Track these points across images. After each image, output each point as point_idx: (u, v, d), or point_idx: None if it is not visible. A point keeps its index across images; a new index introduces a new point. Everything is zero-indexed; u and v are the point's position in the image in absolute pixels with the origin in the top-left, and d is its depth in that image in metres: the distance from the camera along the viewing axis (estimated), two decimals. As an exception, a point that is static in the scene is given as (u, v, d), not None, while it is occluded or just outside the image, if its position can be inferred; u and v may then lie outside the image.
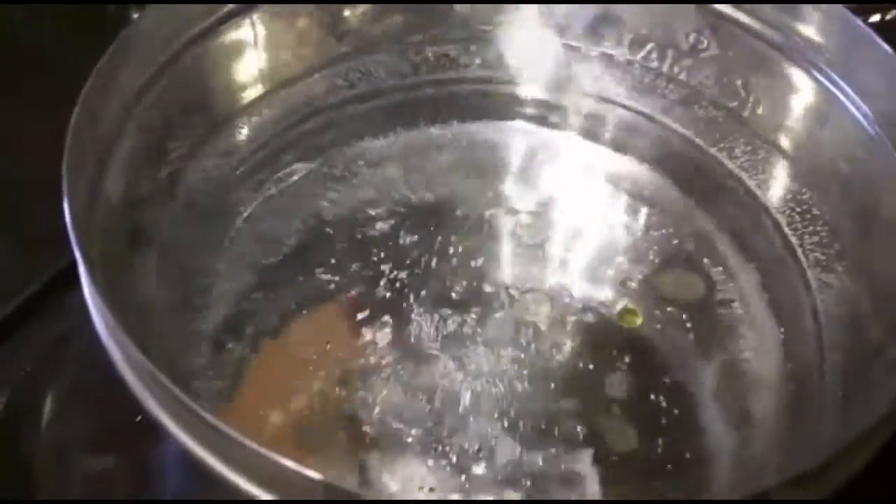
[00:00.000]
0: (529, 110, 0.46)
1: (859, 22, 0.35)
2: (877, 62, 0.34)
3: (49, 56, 0.46)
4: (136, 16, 0.34)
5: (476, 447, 0.34)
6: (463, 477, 0.34)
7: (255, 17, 0.40)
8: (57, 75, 0.42)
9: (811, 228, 0.38)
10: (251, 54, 0.41)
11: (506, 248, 0.42)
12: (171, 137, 0.37)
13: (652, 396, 0.36)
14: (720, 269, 0.40)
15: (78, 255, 0.27)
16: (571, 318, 0.39)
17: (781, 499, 0.23)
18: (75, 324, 0.37)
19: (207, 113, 0.39)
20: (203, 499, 0.33)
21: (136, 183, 0.35)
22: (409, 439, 0.35)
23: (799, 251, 0.38)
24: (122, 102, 0.34)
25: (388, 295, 0.39)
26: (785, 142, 0.40)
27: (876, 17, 0.38)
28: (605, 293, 0.40)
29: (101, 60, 0.32)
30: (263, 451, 0.23)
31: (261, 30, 0.41)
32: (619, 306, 0.39)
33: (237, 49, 0.40)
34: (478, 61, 0.45)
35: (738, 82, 0.41)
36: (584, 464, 0.34)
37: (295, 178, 0.43)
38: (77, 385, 0.38)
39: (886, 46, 0.34)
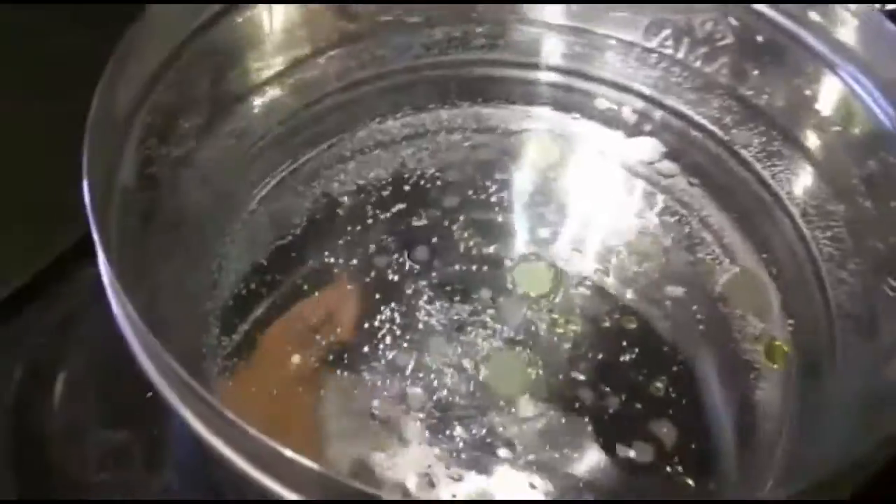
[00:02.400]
0: (541, 94, 0.45)
1: (887, 21, 0.34)
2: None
3: (68, 42, 0.46)
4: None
5: (482, 430, 0.35)
6: (465, 457, 0.34)
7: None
8: (72, 61, 0.42)
9: (825, 223, 0.38)
10: (264, 36, 0.41)
11: (516, 233, 0.42)
12: (184, 118, 0.37)
13: (658, 383, 0.36)
14: (730, 259, 0.40)
15: (96, 237, 0.27)
16: (580, 303, 0.39)
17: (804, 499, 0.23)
18: (85, 300, 0.38)
19: (221, 94, 0.39)
20: (210, 479, 0.34)
21: (151, 163, 0.35)
22: (415, 422, 0.35)
23: (812, 245, 0.38)
24: (139, 85, 0.33)
25: (396, 278, 0.39)
26: (802, 134, 0.40)
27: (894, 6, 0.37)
28: (615, 279, 0.40)
29: (118, 45, 0.32)
30: (264, 438, 0.23)
31: (274, 11, 0.40)
32: (629, 292, 0.39)
33: (250, 31, 0.40)
34: (490, 43, 0.45)
35: (755, 72, 0.40)
36: (586, 441, 0.34)
37: (306, 158, 0.43)
38: (89, 361, 0.38)
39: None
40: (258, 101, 0.41)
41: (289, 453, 0.23)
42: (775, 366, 0.37)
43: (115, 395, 0.36)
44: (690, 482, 0.34)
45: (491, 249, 0.40)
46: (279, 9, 0.40)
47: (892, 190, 0.35)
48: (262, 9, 0.40)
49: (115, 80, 0.31)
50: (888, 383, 0.31)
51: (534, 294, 0.39)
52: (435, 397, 0.36)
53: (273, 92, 0.42)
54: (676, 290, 0.39)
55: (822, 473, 0.23)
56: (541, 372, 0.36)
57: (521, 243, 0.41)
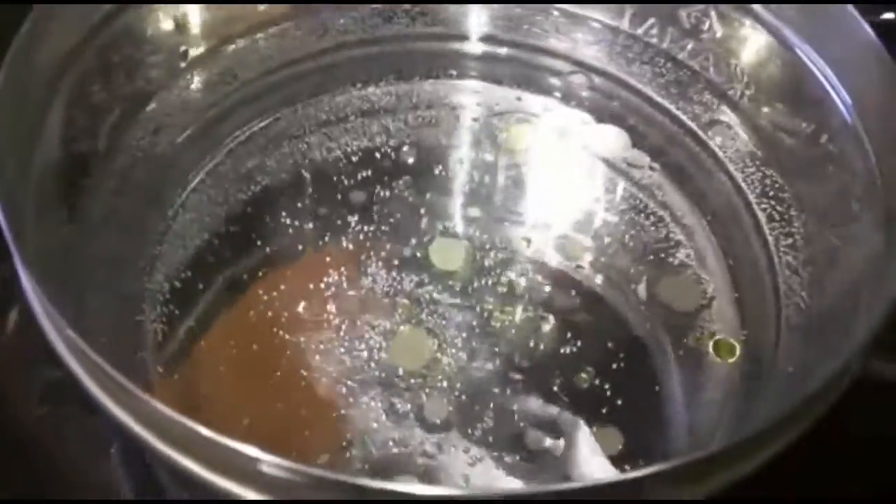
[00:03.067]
0: (500, 69, 0.44)
1: (863, 22, 0.33)
2: (874, 65, 0.33)
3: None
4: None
5: (438, 409, 0.34)
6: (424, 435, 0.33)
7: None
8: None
9: (782, 208, 0.37)
10: (185, 19, 0.39)
11: (475, 209, 0.41)
12: (101, 110, 0.35)
13: (615, 365, 0.35)
14: (687, 254, 0.39)
15: (8, 233, 0.26)
16: (538, 283, 0.38)
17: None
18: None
19: (139, 83, 0.38)
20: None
21: (78, 140, 0.34)
22: (371, 402, 0.34)
23: (772, 245, 0.37)
24: (50, 67, 0.32)
25: (350, 261, 0.38)
26: (771, 130, 0.39)
27: (889, 15, 0.36)
28: (573, 260, 0.39)
29: (22, 26, 0.30)
30: (201, 429, 0.22)
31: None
32: (588, 273, 0.38)
33: (166, 17, 0.39)
34: (455, 17, 0.44)
35: (736, 67, 0.39)
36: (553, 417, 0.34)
37: (248, 135, 0.41)
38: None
39: (884, 51, 0.32)
40: (229, 57, 0.41)
41: (231, 443, 0.22)
42: (725, 360, 0.36)
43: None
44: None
45: (448, 227, 0.39)
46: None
47: (854, 191, 0.34)
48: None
49: (32, 41, 0.30)
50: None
51: (490, 272, 0.38)
52: (392, 383, 0.34)
53: (246, 49, 0.41)
54: (631, 273, 0.38)
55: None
56: (473, 357, 0.35)
57: (479, 222, 0.40)
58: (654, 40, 0.42)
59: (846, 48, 0.34)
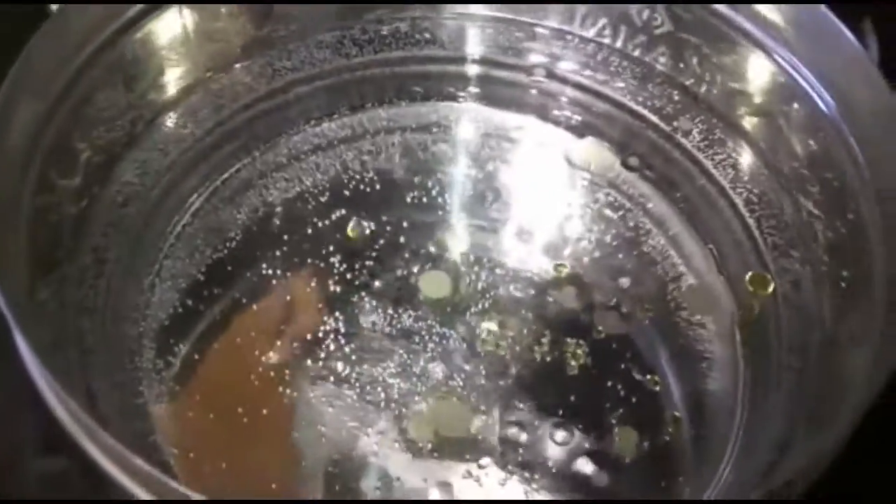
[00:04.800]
0: (479, 89, 0.44)
1: (821, 6, 0.34)
2: (837, 47, 0.34)
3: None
4: (53, 7, 0.32)
5: (430, 443, 0.34)
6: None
7: (181, 5, 0.38)
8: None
9: (768, 211, 0.38)
10: (182, 42, 0.39)
11: (459, 232, 0.41)
12: (96, 136, 0.35)
13: (610, 374, 0.36)
14: (676, 248, 0.40)
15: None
16: (527, 300, 0.38)
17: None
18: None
19: (136, 106, 0.37)
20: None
21: (60, 187, 0.33)
22: (364, 437, 0.34)
23: (756, 233, 0.38)
24: (38, 107, 0.32)
25: (339, 289, 0.38)
26: (742, 122, 0.39)
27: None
28: (560, 273, 0.39)
29: (14, 65, 0.30)
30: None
31: (188, 18, 0.39)
32: (575, 287, 0.39)
33: (162, 39, 0.38)
34: (426, 38, 0.44)
35: (694, 60, 0.40)
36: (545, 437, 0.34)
37: (238, 167, 0.41)
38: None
39: (847, 31, 0.33)
40: (180, 111, 0.40)
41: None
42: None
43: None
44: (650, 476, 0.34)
45: (433, 253, 0.39)
46: (195, 15, 0.39)
47: (832, 174, 0.35)
48: (172, 16, 0.38)
49: (11, 104, 0.29)
50: (831, 374, 0.31)
51: (479, 295, 0.38)
52: (383, 409, 0.35)
53: (195, 100, 0.40)
54: (624, 283, 0.39)
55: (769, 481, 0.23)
56: (483, 371, 0.36)
57: (464, 244, 0.40)
58: (608, 41, 0.42)
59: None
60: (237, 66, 0.41)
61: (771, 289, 0.37)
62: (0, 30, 0.33)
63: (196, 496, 0.23)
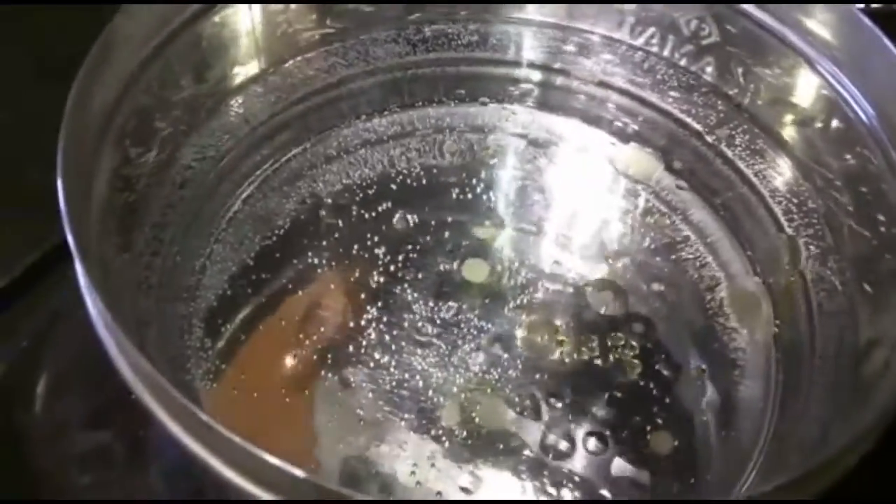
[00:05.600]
0: (528, 92, 0.45)
1: (867, 20, 0.34)
2: (882, 62, 0.34)
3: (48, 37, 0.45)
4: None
5: (465, 432, 0.35)
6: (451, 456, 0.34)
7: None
8: (53, 55, 0.41)
9: (807, 220, 0.38)
10: (244, 35, 0.40)
11: (502, 231, 0.42)
12: (164, 118, 0.37)
13: (643, 381, 0.36)
14: (714, 255, 0.40)
15: (72, 243, 0.27)
16: (565, 300, 0.39)
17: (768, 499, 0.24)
18: (73, 297, 0.38)
19: (202, 93, 0.39)
20: (193, 480, 0.34)
21: (130, 164, 0.35)
22: (401, 423, 0.35)
23: (795, 242, 0.38)
24: (115, 86, 0.33)
25: (382, 280, 0.39)
26: (784, 133, 0.40)
27: (877, 5, 0.37)
28: (600, 276, 0.40)
29: (93, 47, 0.31)
30: (249, 446, 0.23)
31: (255, 9, 0.40)
32: (612, 290, 0.39)
33: (231, 30, 0.40)
34: (477, 41, 0.45)
35: (739, 70, 0.40)
36: (577, 442, 0.35)
37: (290, 157, 0.42)
38: (74, 360, 0.38)
39: (889, 42, 0.34)
40: (240, 100, 0.41)
41: (269, 458, 0.23)
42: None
43: (99, 395, 0.36)
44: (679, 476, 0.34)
45: (477, 249, 0.40)
46: (260, 7, 0.40)
47: (868, 186, 0.35)
48: (241, 7, 0.39)
49: (91, 83, 0.31)
50: (863, 380, 0.31)
51: (520, 293, 0.39)
52: (421, 398, 0.36)
53: (256, 90, 0.41)
54: (661, 289, 0.39)
55: (790, 476, 0.24)
56: (520, 367, 0.37)
57: (507, 243, 0.41)
58: (656, 49, 0.43)
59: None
60: (297, 59, 0.42)
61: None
62: (81, 16, 0.35)
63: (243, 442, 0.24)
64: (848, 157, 0.36)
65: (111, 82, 0.33)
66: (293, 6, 0.41)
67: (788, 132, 0.40)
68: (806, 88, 0.38)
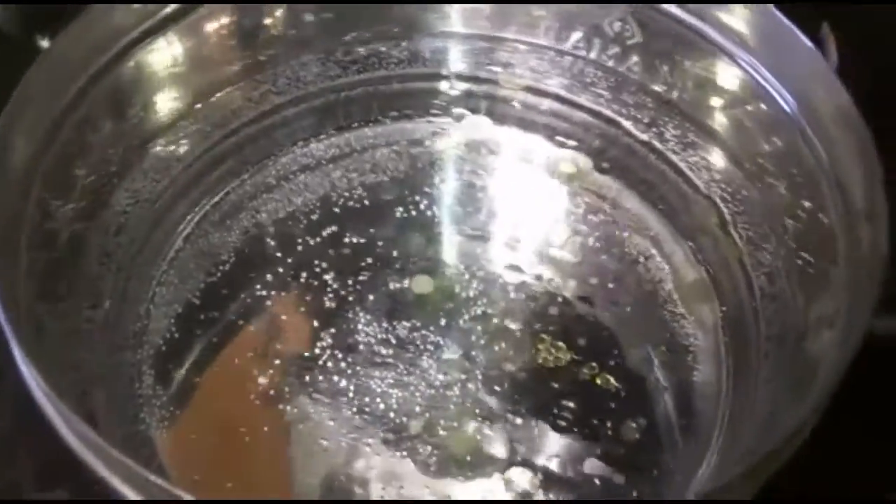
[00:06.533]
0: (462, 104, 0.45)
1: (777, 12, 0.36)
2: (795, 51, 0.35)
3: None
4: (44, 44, 0.33)
5: (430, 449, 0.35)
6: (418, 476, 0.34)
7: (169, 34, 0.39)
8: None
9: (742, 207, 0.39)
10: (169, 71, 0.40)
11: (449, 244, 0.42)
12: (84, 165, 0.36)
13: (602, 377, 0.37)
14: (657, 248, 0.41)
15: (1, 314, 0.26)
16: (518, 306, 0.39)
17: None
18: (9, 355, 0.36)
19: (129, 134, 0.38)
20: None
21: (52, 217, 0.33)
22: (366, 448, 0.35)
23: (731, 229, 0.39)
24: (38, 135, 0.32)
25: (333, 305, 0.39)
26: (713, 123, 0.41)
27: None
28: (549, 278, 0.40)
29: (13, 96, 0.30)
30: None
31: (176, 47, 0.40)
32: (563, 291, 0.40)
33: (151, 68, 0.39)
34: (407, 57, 0.45)
35: (665, 67, 0.41)
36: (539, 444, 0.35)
37: (228, 191, 0.42)
38: (17, 419, 0.36)
39: (803, 36, 0.35)
40: (170, 138, 0.40)
41: None
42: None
43: (50, 454, 0.35)
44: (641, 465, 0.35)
45: (426, 265, 0.40)
46: (182, 43, 0.39)
47: (798, 168, 0.36)
48: (164, 44, 0.39)
49: (11, 132, 0.30)
50: (809, 358, 0.32)
51: (471, 304, 0.39)
52: (383, 420, 0.35)
53: (185, 126, 0.41)
54: (611, 286, 0.40)
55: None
56: (481, 378, 0.37)
57: (455, 256, 0.41)
58: (583, 53, 0.44)
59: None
60: (224, 91, 0.42)
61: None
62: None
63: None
64: (776, 141, 0.37)
65: (29, 135, 0.32)
66: (216, 37, 0.41)
67: (718, 122, 0.41)
68: (730, 80, 0.39)
